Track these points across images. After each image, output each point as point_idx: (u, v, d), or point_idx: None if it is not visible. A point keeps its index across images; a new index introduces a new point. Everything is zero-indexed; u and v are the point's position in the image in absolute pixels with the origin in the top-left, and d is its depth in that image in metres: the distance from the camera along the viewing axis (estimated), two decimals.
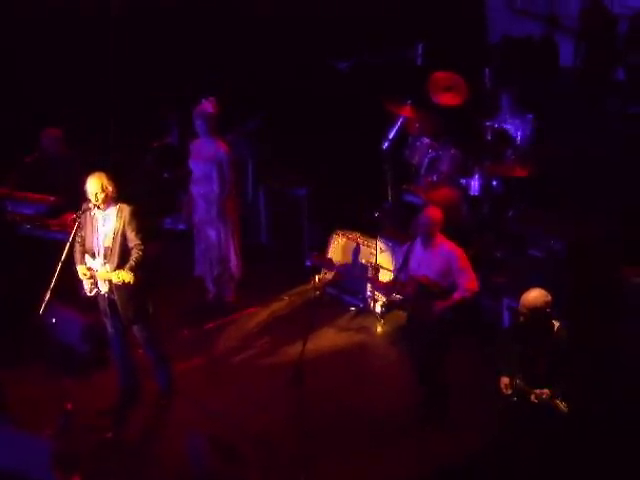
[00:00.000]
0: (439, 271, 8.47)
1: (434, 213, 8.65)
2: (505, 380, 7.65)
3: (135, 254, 8.32)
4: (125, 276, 8.22)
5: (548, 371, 7.55)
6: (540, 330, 7.58)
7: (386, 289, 9.04)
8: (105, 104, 11.98)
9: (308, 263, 9.17)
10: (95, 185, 8.29)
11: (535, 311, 7.49)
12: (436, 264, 8.49)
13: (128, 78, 12.11)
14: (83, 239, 8.46)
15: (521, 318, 7.60)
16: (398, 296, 9.06)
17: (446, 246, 8.57)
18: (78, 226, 8.37)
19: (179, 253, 10.59)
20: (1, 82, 11.76)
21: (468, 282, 8.44)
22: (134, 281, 8.24)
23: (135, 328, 8.64)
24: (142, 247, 8.32)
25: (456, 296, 8.40)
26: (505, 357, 7.75)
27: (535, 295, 7.53)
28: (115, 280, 8.27)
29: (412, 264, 8.61)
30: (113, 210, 8.37)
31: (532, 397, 7.53)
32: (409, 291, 8.57)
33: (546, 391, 7.49)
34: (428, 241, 8.54)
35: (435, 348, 8.50)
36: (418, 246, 8.63)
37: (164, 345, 8.84)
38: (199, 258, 10.26)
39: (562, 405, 7.47)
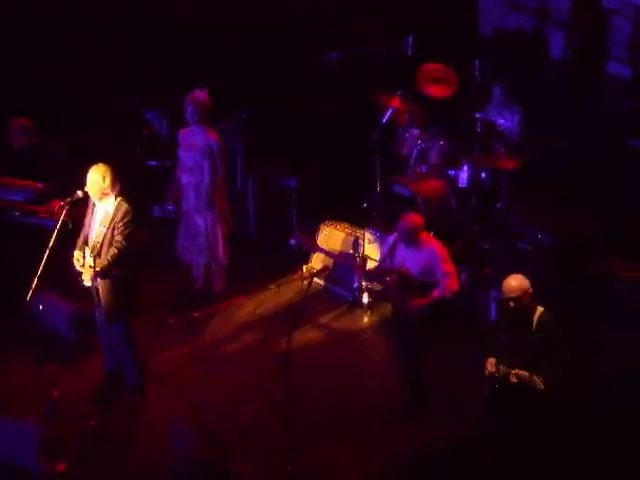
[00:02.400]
0: (423, 268, 8.50)
1: (412, 219, 8.66)
2: (492, 360, 7.75)
3: (111, 251, 8.26)
4: (89, 271, 8.20)
5: (531, 355, 7.66)
6: (525, 313, 7.73)
7: (368, 276, 9.04)
8: (93, 94, 11.96)
9: (292, 242, 9.05)
10: (96, 176, 8.25)
11: (524, 294, 7.66)
12: (420, 261, 8.53)
13: (115, 66, 12.11)
14: (84, 226, 8.47)
15: (511, 304, 7.70)
16: (378, 285, 9.10)
17: (431, 246, 8.59)
18: (66, 213, 8.35)
19: (166, 241, 10.57)
20: None
21: (450, 282, 8.46)
22: (115, 277, 8.26)
23: (113, 324, 8.54)
24: (121, 245, 8.24)
25: (435, 294, 8.43)
26: (492, 343, 7.87)
27: (519, 281, 7.72)
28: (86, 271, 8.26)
29: (396, 259, 8.64)
30: (112, 204, 8.34)
31: (512, 378, 7.63)
32: (390, 282, 8.60)
33: (526, 372, 7.59)
34: (410, 244, 8.57)
35: (410, 342, 8.54)
36: (402, 244, 8.65)
37: (137, 345, 8.75)
38: (183, 245, 10.22)
39: (540, 381, 7.56)
